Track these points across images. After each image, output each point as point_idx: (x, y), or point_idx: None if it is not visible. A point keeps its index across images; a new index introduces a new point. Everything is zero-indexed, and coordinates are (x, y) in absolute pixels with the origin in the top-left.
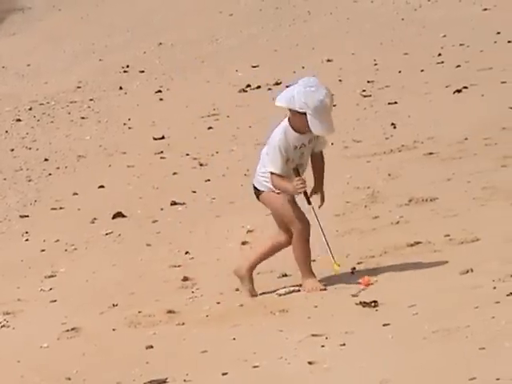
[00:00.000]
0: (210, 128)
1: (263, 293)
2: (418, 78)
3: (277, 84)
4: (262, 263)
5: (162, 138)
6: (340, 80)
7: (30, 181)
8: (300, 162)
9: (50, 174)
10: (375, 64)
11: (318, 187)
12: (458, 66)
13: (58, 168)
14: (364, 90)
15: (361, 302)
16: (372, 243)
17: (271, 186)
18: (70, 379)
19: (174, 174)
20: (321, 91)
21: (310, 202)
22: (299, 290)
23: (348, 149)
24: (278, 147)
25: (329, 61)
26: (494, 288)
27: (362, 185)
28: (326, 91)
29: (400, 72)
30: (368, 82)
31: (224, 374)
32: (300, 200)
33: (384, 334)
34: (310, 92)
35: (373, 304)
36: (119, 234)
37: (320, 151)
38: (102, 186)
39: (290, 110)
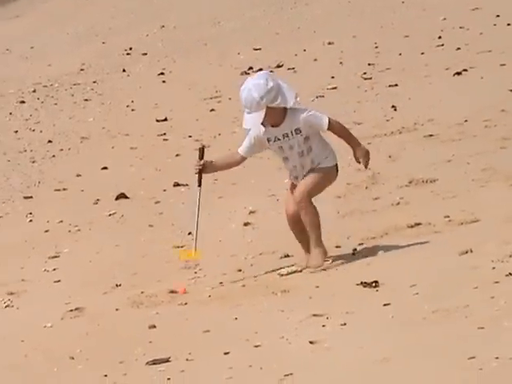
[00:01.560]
0: (212, 110)
1: (265, 273)
2: (419, 60)
3: (278, 66)
4: (264, 244)
5: (165, 119)
6: (341, 63)
7: (33, 162)
8: (285, 156)
9: (53, 156)
10: (376, 47)
11: (354, 150)
12: (458, 48)
13: (61, 150)
14: (365, 73)
15: (362, 283)
16: (372, 224)
17: None
18: (73, 358)
19: (177, 155)
20: (263, 77)
21: (199, 184)
22: (301, 271)
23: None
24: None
25: (330, 43)
26: (493, 268)
27: (363, 167)
28: (266, 76)
29: (400, 55)
30: (369, 64)
31: (226, 353)
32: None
33: (384, 314)
34: (261, 84)
35: (373, 284)
36: (122, 215)
37: (327, 127)
38: (105, 168)
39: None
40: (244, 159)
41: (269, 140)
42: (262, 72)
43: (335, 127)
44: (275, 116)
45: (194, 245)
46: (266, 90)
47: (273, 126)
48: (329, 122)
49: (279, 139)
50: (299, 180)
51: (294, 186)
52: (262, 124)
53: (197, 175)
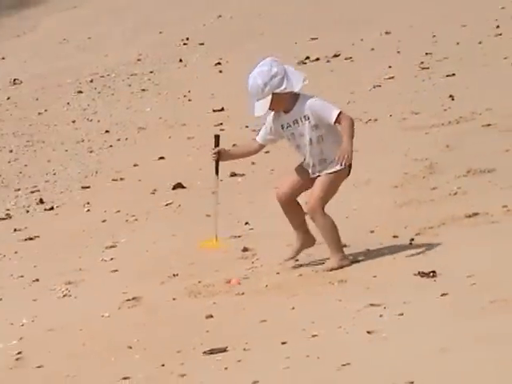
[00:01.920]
0: None
1: (322, 263)
2: (476, 49)
3: (335, 56)
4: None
5: (222, 109)
6: (398, 52)
7: (91, 152)
8: (297, 143)
9: (110, 146)
10: (433, 36)
11: (343, 144)
12: None
13: (118, 140)
14: (422, 62)
15: (419, 273)
16: (430, 214)
17: None
18: (130, 348)
19: (234, 145)
20: (267, 63)
21: (216, 173)
22: (358, 261)
23: (406, 120)
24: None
25: (387, 33)
26: None
27: (420, 156)
28: (270, 62)
29: (458, 44)
30: (426, 54)
31: (283, 342)
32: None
33: (442, 304)
34: (265, 70)
35: (431, 274)
36: (179, 205)
37: (334, 120)
38: (162, 158)
39: (273, 94)
40: (262, 147)
41: (282, 127)
42: (267, 58)
43: (342, 123)
44: (283, 102)
45: (216, 232)
46: (269, 76)
47: (285, 113)
48: (338, 115)
49: (290, 126)
50: (310, 169)
51: (301, 170)
52: (273, 110)
53: (214, 163)
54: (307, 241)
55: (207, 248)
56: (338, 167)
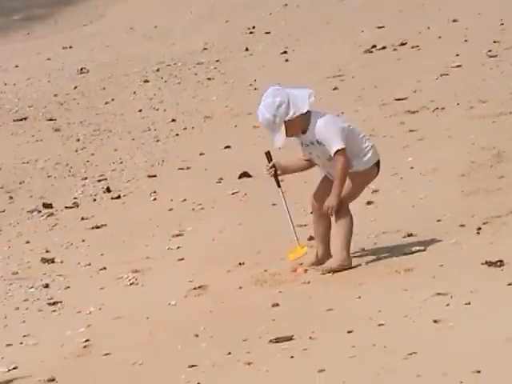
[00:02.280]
0: (335, 89)
1: (389, 252)
2: None
3: (402, 44)
4: (387, 223)
5: None
6: (466, 40)
7: (157, 141)
8: (316, 162)
9: (177, 135)
10: (501, 24)
11: (330, 196)
12: None
13: (184, 128)
14: (490, 51)
15: (486, 262)
16: (498, 203)
17: None
18: (197, 336)
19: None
20: (269, 95)
21: (278, 186)
22: (425, 250)
23: (473, 109)
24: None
25: (454, 21)
26: None
27: (488, 145)
28: (272, 93)
29: None
30: (494, 42)
31: (349, 331)
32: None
33: (509, 293)
34: (269, 103)
35: (498, 263)
36: (245, 194)
37: (334, 156)
38: (228, 147)
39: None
40: (310, 161)
41: (302, 144)
42: (268, 89)
43: (336, 164)
44: (298, 125)
45: (296, 241)
46: (275, 107)
47: (303, 133)
48: (336, 152)
49: (308, 145)
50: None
51: (327, 179)
52: (292, 136)
53: (273, 178)
54: (323, 258)
55: (297, 257)
56: (361, 168)
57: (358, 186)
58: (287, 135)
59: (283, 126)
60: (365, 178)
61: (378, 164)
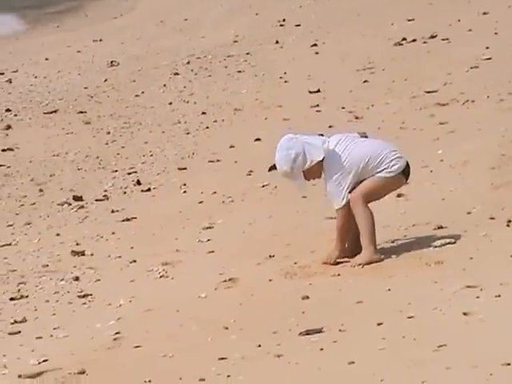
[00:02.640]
0: (365, 81)
1: (418, 244)
2: None
3: (432, 37)
4: (417, 215)
5: (318, 91)
6: (496, 33)
7: (187, 134)
8: None
9: (207, 127)
10: None
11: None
12: None
13: (215, 121)
14: None
15: None
16: None
17: None
18: (227, 328)
19: (330, 126)
20: (284, 147)
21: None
22: (455, 242)
23: (504, 102)
24: None
25: (485, 14)
26: None
27: None
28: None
29: None
30: None
31: (379, 324)
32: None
33: None
34: (284, 155)
35: None
36: (275, 186)
37: (336, 208)
38: (258, 139)
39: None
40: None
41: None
42: (281, 140)
43: (337, 218)
44: (316, 171)
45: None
46: (291, 160)
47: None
48: (336, 210)
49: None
50: None
51: None
52: (310, 180)
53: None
54: (349, 250)
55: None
56: (387, 175)
57: (385, 189)
58: (307, 180)
59: (302, 175)
60: (394, 183)
61: (404, 172)
